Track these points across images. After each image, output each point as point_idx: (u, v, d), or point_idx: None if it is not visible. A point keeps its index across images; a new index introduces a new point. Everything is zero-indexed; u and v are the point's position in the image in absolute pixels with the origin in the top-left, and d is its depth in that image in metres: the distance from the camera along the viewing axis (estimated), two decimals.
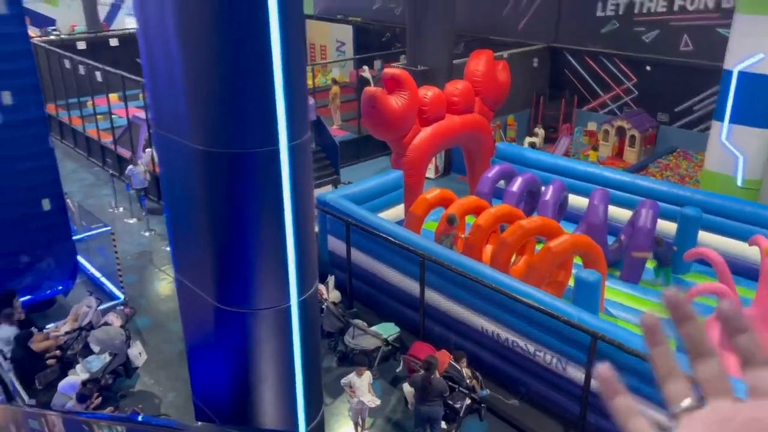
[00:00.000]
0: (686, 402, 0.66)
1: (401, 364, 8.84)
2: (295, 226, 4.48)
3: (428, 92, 12.70)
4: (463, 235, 10.45)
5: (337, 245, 11.08)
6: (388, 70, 12.46)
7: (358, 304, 10.87)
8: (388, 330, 9.52)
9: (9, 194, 9.94)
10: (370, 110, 11.56)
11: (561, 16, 20.01)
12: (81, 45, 21.41)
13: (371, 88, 11.66)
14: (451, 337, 9.13)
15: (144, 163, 15.77)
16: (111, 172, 16.65)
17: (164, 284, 12.44)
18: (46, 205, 10.42)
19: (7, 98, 9.58)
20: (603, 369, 0.71)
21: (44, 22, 31.42)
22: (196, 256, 4.74)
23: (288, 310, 4.71)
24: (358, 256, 10.62)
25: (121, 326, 9.13)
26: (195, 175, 4.37)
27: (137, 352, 8.83)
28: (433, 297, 9.31)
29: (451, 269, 8.77)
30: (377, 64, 20.40)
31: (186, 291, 5.03)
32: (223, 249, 4.50)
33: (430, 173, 16.03)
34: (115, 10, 34.44)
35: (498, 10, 21.41)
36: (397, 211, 12.52)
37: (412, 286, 9.64)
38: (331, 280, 10.72)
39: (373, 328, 9.48)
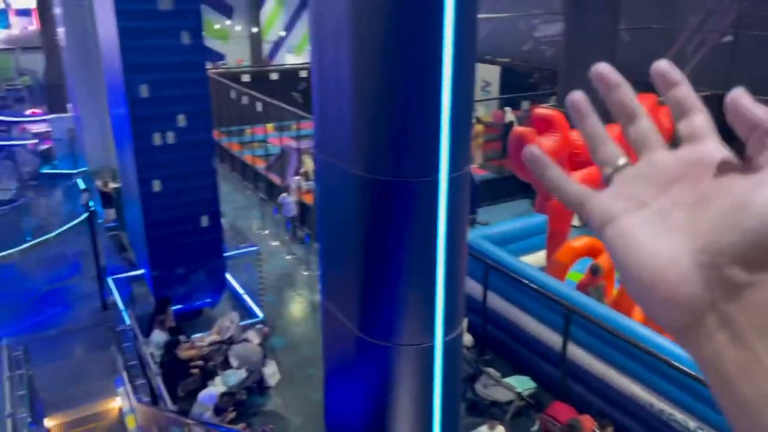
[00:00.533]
0: (620, 160, 0.65)
1: (537, 423, 8.19)
2: (446, 261, 4.25)
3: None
4: (614, 288, 9.63)
5: (472, 286, 10.70)
6: (539, 111, 12.04)
7: (490, 352, 10.36)
8: (523, 384, 8.91)
9: (175, 209, 10.78)
10: (518, 150, 11.18)
11: (736, 61, 18.37)
12: (245, 77, 23.23)
13: (521, 128, 11.31)
14: (596, 401, 8.32)
15: (292, 189, 16.56)
16: (261, 196, 17.63)
17: (300, 308, 12.76)
18: (205, 221, 11.16)
19: (182, 121, 10.46)
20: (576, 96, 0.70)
21: (215, 56, 34.69)
22: (344, 283, 4.66)
23: (431, 349, 4.46)
24: (495, 301, 10.16)
25: (259, 344, 9.40)
26: (351, 201, 4.30)
27: (271, 372, 9.01)
28: (576, 353, 8.59)
29: (600, 325, 8.05)
30: (524, 104, 19.95)
31: (330, 317, 4.95)
32: (372, 278, 4.37)
33: (575, 221, 15.16)
34: (276, 47, 37.22)
35: (661, 53, 20.15)
36: (538, 258, 11.89)
37: (553, 338, 8.99)
38: (463, 322, 10.32)
39: (507, 380, 8.93)
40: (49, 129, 21.64)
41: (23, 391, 8.67)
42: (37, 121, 22.09)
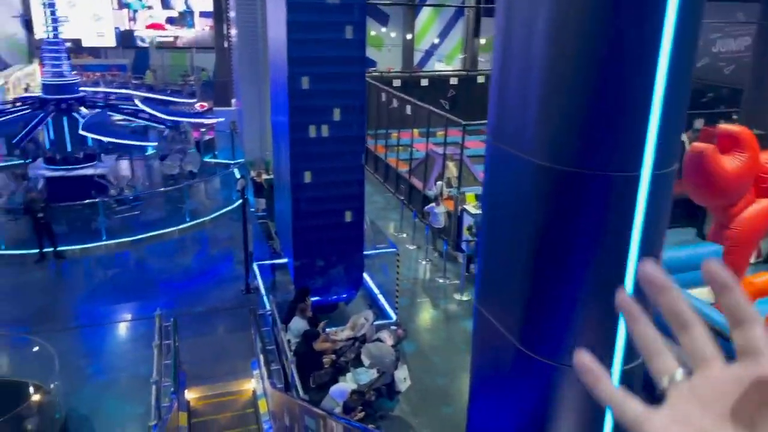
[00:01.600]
0: (675, 374, 0.64)
1: None
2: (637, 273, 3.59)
3: None
4: None
5: None
6: (725, 126, 10.68)
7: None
8: None
9: (322, 202, 10.88)
10: (696, 169, 9.95)
11: None
12: (396, 82, 23.42)
13: (701, 144, 10.05)
14: None
15: (433, 195, 16.29)
16: (401, 198, 17.53)
17: (433, 315, 12.38)
18: (348, 217, 11.15)
19: (337, 115, 10.53)
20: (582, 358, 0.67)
21: (368, 63, 35.65)
22: (506, 287, 4.15)
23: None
24: None
25: (393, 346, 9.13)
26: (527, 194, 3.79)
27: (403, 376, 8.68)
28: None
29: None
30: (696, 124, 18.08)
31: (484, 323, 4.46)
32: (543, 284, 3.83)
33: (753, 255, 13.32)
34: (427, 56, 37.47)
35: None
36: (706, 292, 10.50)
37: None
38: None
39: None
40: (214, 121, 23.25)
41: (169, 360, 9.09)
42: (204, 114, 23.81)
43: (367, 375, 8.58)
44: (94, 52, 34.72)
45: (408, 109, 18.34)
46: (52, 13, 17.31)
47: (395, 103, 19.37)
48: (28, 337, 9.38)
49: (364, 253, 11.77)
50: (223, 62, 32.44)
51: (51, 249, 14.07)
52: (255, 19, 19.92)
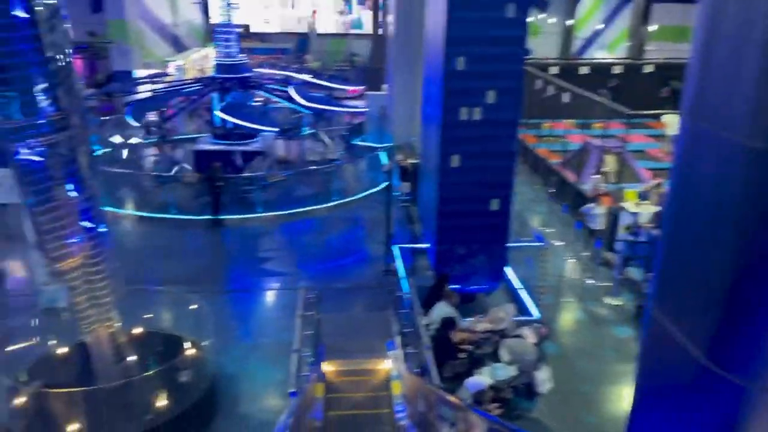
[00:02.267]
0: None
1: None
2: None
3: None
4: None
5: None
6: None
7: None
8: None
9: (468, 188, 10.54)
10: None
11: None
12: (553, 70, 22.26)
13: None
14: None
15: (589, 188, 15.27)
16: (551, 191, 16.63)
17: (579, 317, 11.57)
18: (495, 205, 10.72)
19: (491, 97, 10.10)
20: None
21: None
22: (695, 290, 3.56)
23: None
24: None
25: (535, 344, 8.60)
26: (734, 182, 3.18)
27: (544, 378, 8.15)
28: None
29: None
30: None
31: (659, 331, 3.89)
32: (748, 290, 3.21)
33: None
34: (588, 43, 35.32)
35: None
36: None
37: None
38: None
39: None
40: (365, 106, 23.73)
41: (311, 331, 9.32)
42: (355, 98, 24.35)
43: (505, 371, 8.16)
44: (261, 36, 37.04)
45: (565, 97, 17.29)
46: None
47: (551, 91, 18.38)
48: (188, 295, 10.10)
49: (509, 244, 11.26)
50: (377, 49, 33.14)
51: (217, 217, 15.16)
52: (413, 6, 19.98)
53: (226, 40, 18.71)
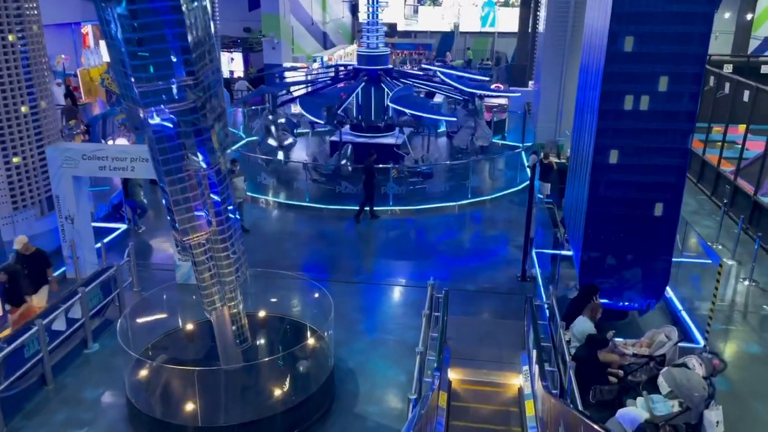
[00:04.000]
0: None
1: None
2: None
3: None
4: None
5: None
6: None
7: None
8: None
9: (627, 188, 9.16)
10: None
11: None
12: (727, 68, 19.60)
13: None
14: None
15: None
16: (724, 202, 14.44)
17: (754, 350, 9.69)
18: (659, 210, 9.22)
19: (663, 84, 8.67)
20: None
21: None
22: None
23: None
24: None
25: (705, 378, 7.14)
26: None
27: (716, 419, 6.69)
28: None
29: None
30: None
31: None
32: None
33: None
34: (765, 45, 31.17)
35: None
36: None
37: None
38: None
39: None
40: (507, 103, 22.56)
41: (436, 333, 8.56)
42: (498, 96, 23.26)
43: (665, 405, 6.82)
44: (406, 34, 37.04)
45: (745, 96, 14.95)
46: None
47: (726, 89, 16.05)
48: (315, 282, 9.78)
49: (672, 258, 9.69)
50: (523, 47, 31.72)
51: (366, 209, 14.96)
52: (567, 2, 18.74)
53: (370, 32, 18.53)
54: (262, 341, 9.10)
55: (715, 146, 16.89)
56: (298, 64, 26.27)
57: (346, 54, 32.80)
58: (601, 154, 9.15)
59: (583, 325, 8.01)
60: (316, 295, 9.39)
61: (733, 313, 10.74)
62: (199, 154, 6.42)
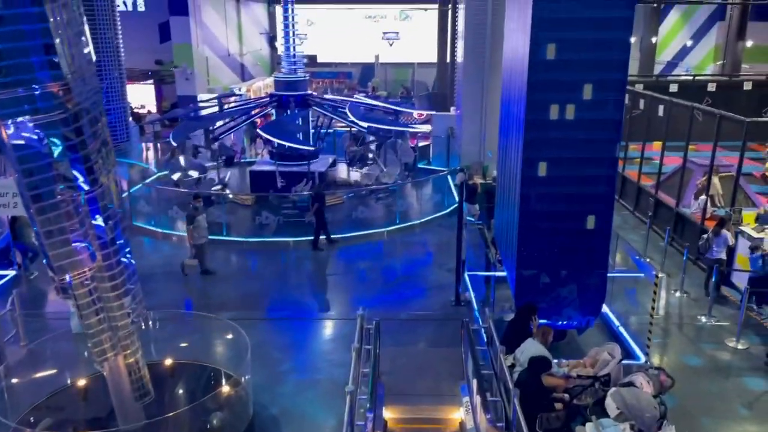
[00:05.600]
0: None
1: None
2: None
3: None
4: None
5: None
6: None
7: None
8: None
9: (557, 201, 8.80)
10: None
11: None
12: (638, 87, 20.22)
13: None
14: None
15: (691, 211, 13.20)
16: (649, 215, 14.52)
17: (695, 362, 9.43)
18: (591, 222, 8.89)
19: (588, 92, 8.42)
20: None
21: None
22: None
23: None
24: None
25: (654, 396, 6.66)
26: None
27: None
28: None
29: None
30: None
31: None
32: None
33: None
34: (669, 68, 32.98)
35: None
36: None
37: None
38: None
39: None
40: (429, 128, 22.43)
41: (368, 369, 7.74)
42: (420, 122, 23.11)
43: (616, 429, 6.26)
44: (327, 65, 36.73)
45: (660, 111, 15.28)
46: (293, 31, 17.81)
47: (641, 105, 16.41)
48: (230, 322, 8.76)
49: (610, 273, 9.36)
50: (443, 75, 32.07)
51: (329, 236, 14.20)
52: (482, 30, 18.91)
53: (288, 60, 17.91)
54: (169, 393, 7.95)
55: (634, 162, 17.18)
56: (211, 96, 25.21)
57: (266, 86, 32.02)
58: (529, 166, 8.76)
59: (534, 347, 7.41)
60: (230, 336, 8.38)
61: (669, 326, 10.53)
62: (75, 175, 5.42)
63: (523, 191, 8.87)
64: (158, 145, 22.24)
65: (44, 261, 5.76)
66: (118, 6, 24.00)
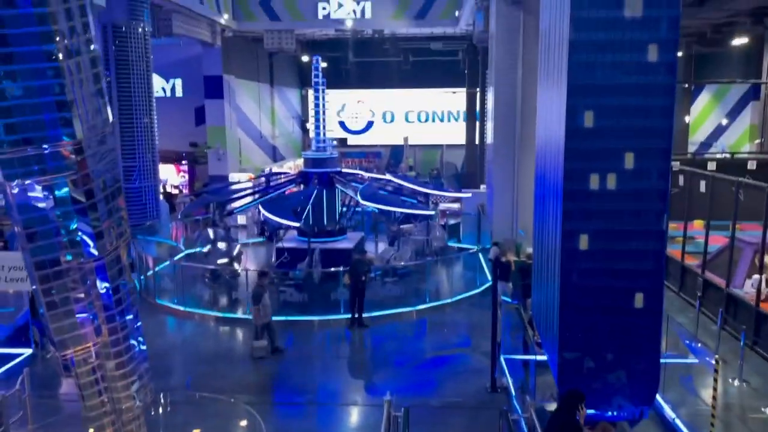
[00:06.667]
0: None
1: None
2: None
3: None
4: None
5: None
6: None
7: None
8: None
9: (602, 277, 8.12)
10: None
11: None
12: (676, 165, 19.69)
13: None
14: None
15: (744, 291, 12.28)
16: (699, 296, 13.57)
17: None
18: (639, 301, 8.15)
19: (629, 161, 7.94)
20: None
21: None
22: None
23: None
24: None
25: None
26: None
27: None
28: None
29: None
30: None
31: None
32: None
33: None
34: (702, 148, 32.51)
35: None
36: None
37: None
38: None
39: None
40: (460, 206, 22.14)
41: None
42: (450, 200, 22.83)
43: None
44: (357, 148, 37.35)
45: (702, 186, 14.66)
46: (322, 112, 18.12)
47: (681, 181, 15.83)
48: (246, 406, 8.10)
49: (663, 358, 8.49)
50: (471, 155, 32.19)
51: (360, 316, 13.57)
52: (513, 109, 18.97)
53: (318, 140, 18.05)
54: None
55: (675, 242, 16.39)
56: (245, 176, 25.52)
57: (296, 166, 32.49)
58: (569, 239, 8.17)
59: None
60: (244, 423, 7.69)
61: (730, 419, 9.44)
62: (83, 240, 5.06)
63: (564, 266, 8.24)
64: (187, 223, 22.30)
65: (47, 335, 5.32)
66: (157, 92, 24.94)
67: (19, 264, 9.34)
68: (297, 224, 15.90)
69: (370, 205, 16.49)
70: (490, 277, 15.23)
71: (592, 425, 7.11)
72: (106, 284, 5.36)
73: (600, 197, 7.99)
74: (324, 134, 18.17)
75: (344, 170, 19.84)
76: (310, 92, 24.42)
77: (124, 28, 20.61)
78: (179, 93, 32.04)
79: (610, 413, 8.36)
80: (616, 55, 7.75)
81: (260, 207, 16.16)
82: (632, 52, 7.71)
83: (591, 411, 7.93)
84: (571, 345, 8.37)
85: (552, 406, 8.54)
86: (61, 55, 4.52)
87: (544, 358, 9.83)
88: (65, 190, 4.80)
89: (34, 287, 5.14)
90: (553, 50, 8.98)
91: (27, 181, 4.69)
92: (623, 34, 7.72)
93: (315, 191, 17.04)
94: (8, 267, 9.26)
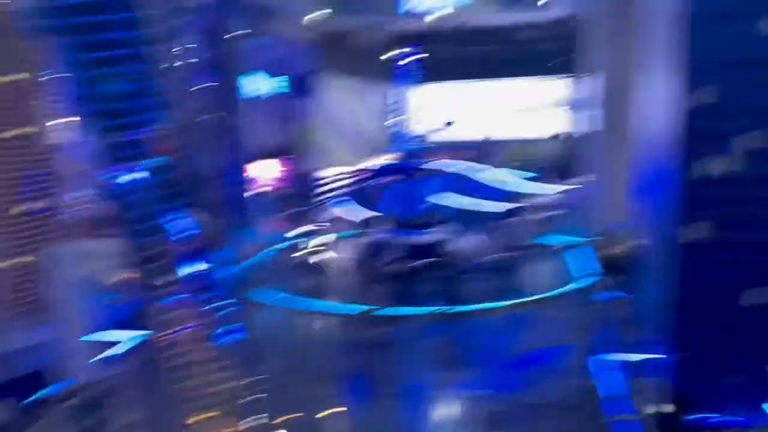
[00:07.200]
0: None
1: None
2: None
3: None
4: None
5: None
6: None
7: None
8: None
9: (728, 270, 7.35)
10: None
11: None
12: None
13: None
14: None
15: None
16: None
17: None
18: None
19: (757, 140, 7.10)
20: None
21: None
22: None
23: None
24: None
25: None
26: None
27: None
28: None
29: None
30: None
31: None
32: None
33: None
34: None
35: None
36: None
37: None
38: None
39: None
40: (560, 198, 21.33)
41: None
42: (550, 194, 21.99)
43: None
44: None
45: None
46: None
47: None
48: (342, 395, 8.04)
49: None
50: (570, 146, 30.80)
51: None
52: (618, 95, 17.78)
53: (410, 137, 17.93)
54: None
55: None
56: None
57: (391, 159, 32.42)
58: (688, 228, 7.43)
59: None
60: (336, 410, 7.61)
61: None
62: (178, 221, 5.11)
63: (683, 257, 7.50)
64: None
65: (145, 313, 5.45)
66: (259, 90, 25.66)
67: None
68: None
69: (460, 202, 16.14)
70: (591, 271, 14.43)
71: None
72: (202, 267, 5.41)
73: (724, 182, 7.22)
74: (414, 128, 17.98)
75: (440, 160, 19.58)
76: (402, 87, 24.28)
77: (222, 29, 21.27)
78: (279, 90, 32.74)
79: (728, 418, 7.57)
80: (739, 26, 6.96)
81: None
82: (757, 21, 6.89)
83: (701, 415, 7.20)
84: (688, 341, 7.64)
85: (665, 408, 7.85)
86: (155, 55, 4.57)
87: (653, 356, 9.07)
88: (160, 174, 4.85)
89: (131, 270, 5.26)
90: (665, 27, 8.24)
91: (127, 166, 4.78)
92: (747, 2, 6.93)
93: (409, 184, 16.93)
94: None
